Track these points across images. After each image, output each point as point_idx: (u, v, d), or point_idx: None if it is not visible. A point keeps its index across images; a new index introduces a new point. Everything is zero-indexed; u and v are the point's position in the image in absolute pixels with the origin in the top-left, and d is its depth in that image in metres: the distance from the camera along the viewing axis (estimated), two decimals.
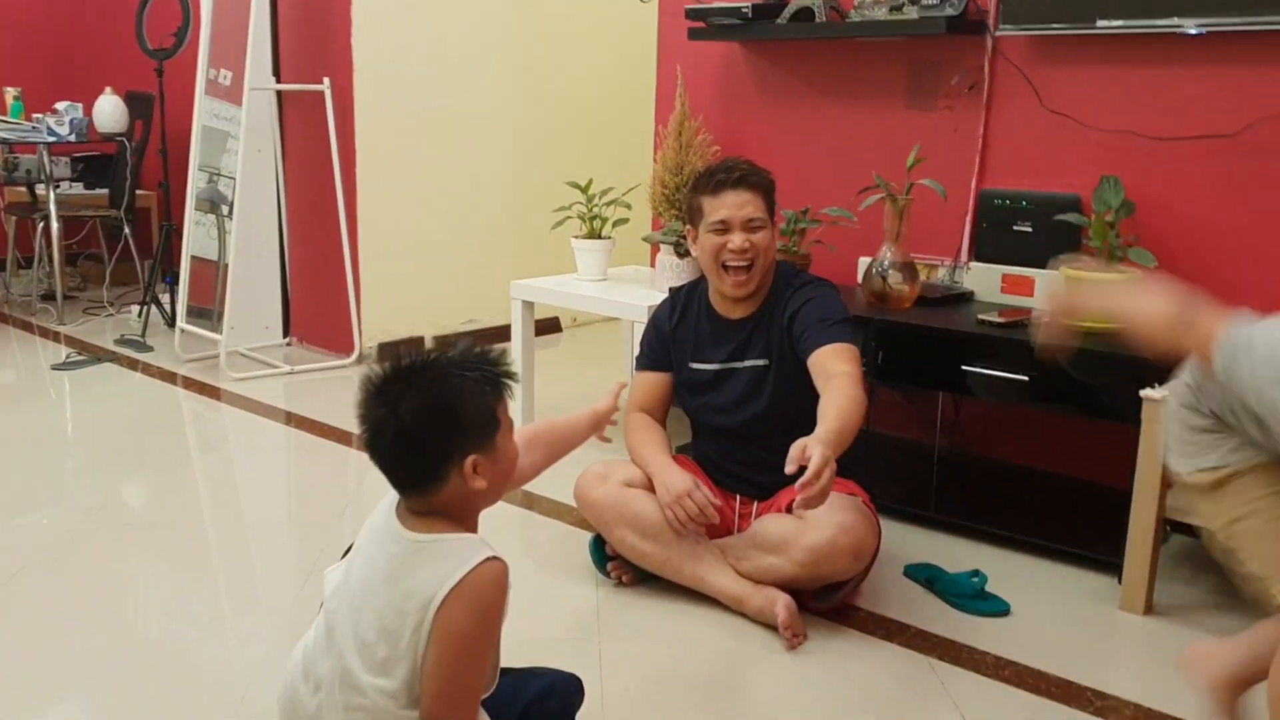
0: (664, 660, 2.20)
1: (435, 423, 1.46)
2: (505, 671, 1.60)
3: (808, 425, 2.15)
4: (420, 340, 4.74)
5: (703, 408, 2.58)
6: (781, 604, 2.27)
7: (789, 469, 1.98)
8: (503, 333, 4.59)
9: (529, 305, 3.62)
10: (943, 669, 2.17)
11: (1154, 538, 2.39)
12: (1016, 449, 3.11)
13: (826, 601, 2.37)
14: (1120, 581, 2.46)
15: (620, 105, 5.09)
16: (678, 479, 2.39)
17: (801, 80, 3.44)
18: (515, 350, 3.64)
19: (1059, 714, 2.02)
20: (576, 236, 3.63)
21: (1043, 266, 2.89)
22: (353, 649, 1.49)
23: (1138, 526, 2.40)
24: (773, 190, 2.50)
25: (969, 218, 3.12)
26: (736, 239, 2.42)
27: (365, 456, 1.51)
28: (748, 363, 2.50)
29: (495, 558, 1.46)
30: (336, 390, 4.16)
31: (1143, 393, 2.36)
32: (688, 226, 2.56)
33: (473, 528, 1.54)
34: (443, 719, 1.45)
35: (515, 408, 3.60)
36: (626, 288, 3.54)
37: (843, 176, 3.26)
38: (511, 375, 1.54)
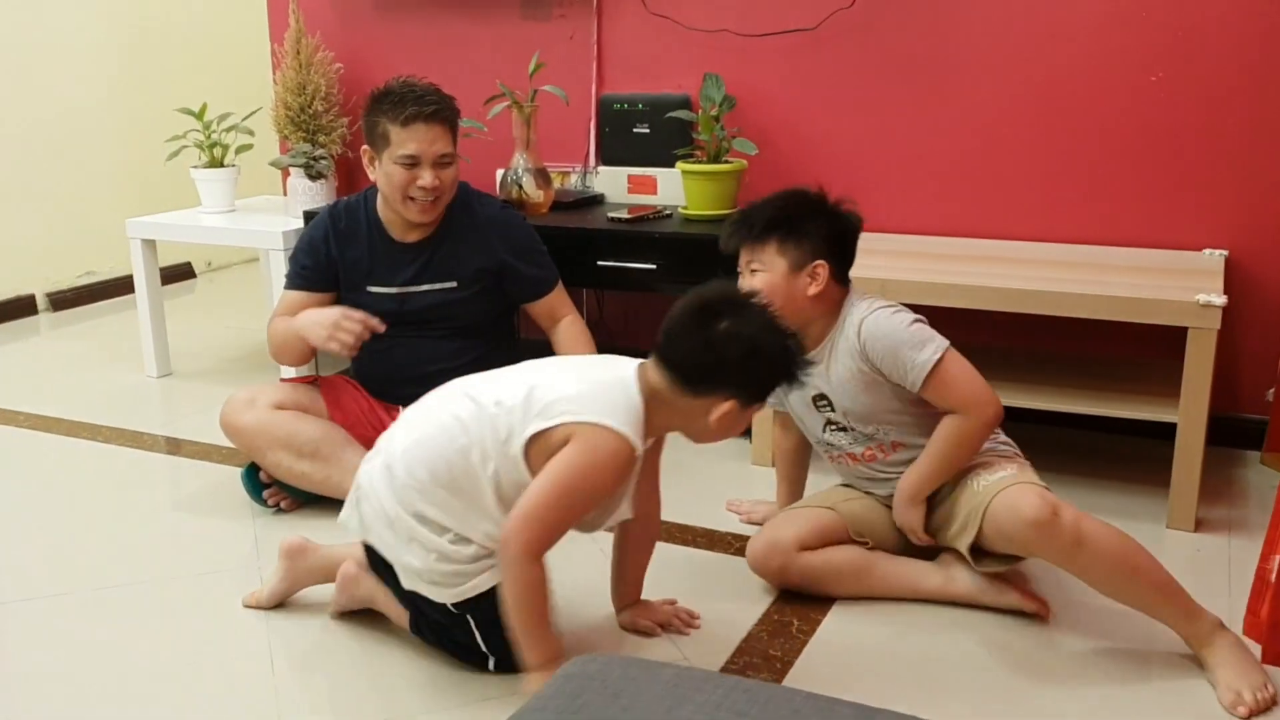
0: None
1: (745, 354, 1.66)
2: None
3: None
4: (31, 298, 4.32)
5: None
6: None
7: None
8: (125, 284, 4.27)
9: (150, 245, 3.37)
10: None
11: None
12: (652, 335, 3.30)
13: None
14: None
15: (229, 24, 4.81)
16: (323, 313, 2.39)
17: None
18: (140, 299, 3.38)
19: None
20: (196, 167, 3.42)
21: (663, 165, 3.07)
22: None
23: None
24: (459, 120, 2.48)
25: (592, 123, 3.25)
26: (427, 176, 2.38)
27: None
28: (430, 286, 2.49)
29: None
30: None
31: None
32: (365, 147, 2.46)
33: (654, 430, 1.74)
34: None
35: (148, 358, 3.39)
36: (258, 217, 3.38)
37: (467, 88, 3.26)
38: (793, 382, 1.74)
